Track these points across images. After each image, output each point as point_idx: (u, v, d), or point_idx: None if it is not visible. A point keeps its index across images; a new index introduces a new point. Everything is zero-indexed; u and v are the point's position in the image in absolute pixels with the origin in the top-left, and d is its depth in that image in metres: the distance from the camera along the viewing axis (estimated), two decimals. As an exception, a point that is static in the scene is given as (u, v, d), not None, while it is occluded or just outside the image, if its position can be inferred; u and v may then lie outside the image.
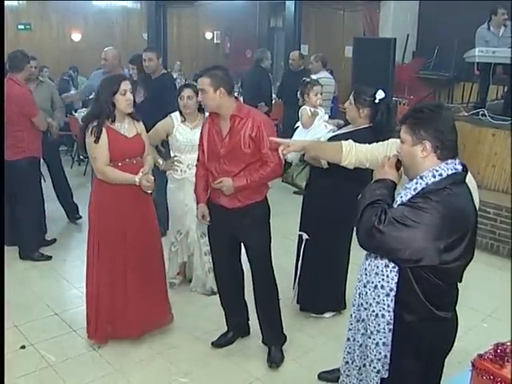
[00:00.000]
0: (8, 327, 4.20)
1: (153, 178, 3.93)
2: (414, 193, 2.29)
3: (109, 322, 4.08)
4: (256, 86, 8.23)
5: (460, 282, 2.46)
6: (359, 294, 2.52)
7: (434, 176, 2.28)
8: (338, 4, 12.20)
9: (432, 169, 2.29)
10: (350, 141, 3.24)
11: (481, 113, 6.99)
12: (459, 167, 2.34)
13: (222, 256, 3.99)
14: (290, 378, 3.83)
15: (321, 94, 4.77)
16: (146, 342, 4.17)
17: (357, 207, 2.35)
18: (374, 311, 2.38)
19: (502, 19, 7.15)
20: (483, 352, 2.18)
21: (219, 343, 4.16)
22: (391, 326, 2.35)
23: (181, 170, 4.69)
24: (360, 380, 2.58)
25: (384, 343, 2.37)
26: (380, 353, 2.38)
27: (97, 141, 3.79)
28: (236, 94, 11.82)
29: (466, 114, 7.29)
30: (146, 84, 6.01)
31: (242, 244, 3.94)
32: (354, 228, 2.35)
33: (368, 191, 2.37)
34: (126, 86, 3.84)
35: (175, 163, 4.68)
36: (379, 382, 2.43)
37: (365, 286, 2.47)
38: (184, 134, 4.63)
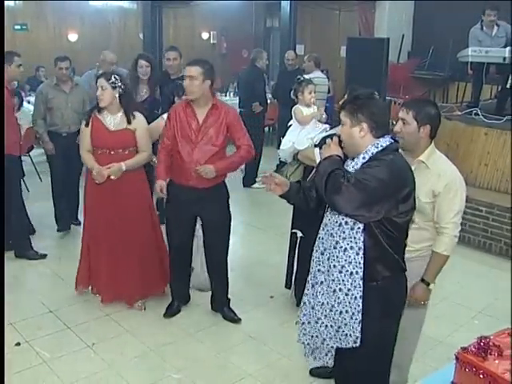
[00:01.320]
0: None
1: (106, 174, 4.23)
2: (363, 161, 2.62)
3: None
4: (250, 86, 8.27)
5: (406, 238, 2.78)
6: (315, 261, 2.80)
7: (377, 147, 2.62)
8: (334, 4, 12.23)
9: (373, 143, 2.63)
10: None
11: (474, 112, 7.03)
12: (392, 140, 2.68)
13: (182, 233, 4.34)
14: (283, 374, 3.87)
15: (314, 92, 4.81)
16: (139, 338, 4.22)
17: (316, 182, 2.63)
18: (347, 271, 2.64)
19: (488, 20, 7.19)
20: (467, 345, 2.22)
21: (171, 313, 4.54)
22: (363, 282, 2.63)
23: None
24: (330, 338, 2.77)
25: (361, 296, 2.64)
26: (359, 305, 2.64)
27: (86, 125, 4.39)
28: (232, 94, 11.90)
29: (460, 113, 7.33)
30: (163, 83, 6.03)
31: (203, 220, 4.35)
32: (323, 194, 2.56)
33: (323, 166, 2.63)
34: (98, 82, 4.31)
35: None
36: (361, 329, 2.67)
37: (322, 254, 2.74)
38: None
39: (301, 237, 4.45)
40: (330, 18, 13.10)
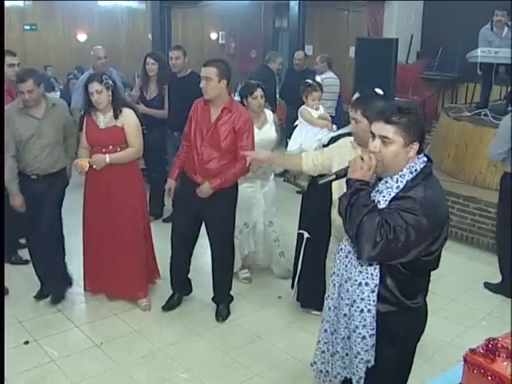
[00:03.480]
0: (12, 323, 4.27)
1: (86, 165, 4.31)
2: (396, 191, 2.35)
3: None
4: (261, 86, 8.26)
5: (426, 277, 2.56)
6: (338, 286, 2.59)
7: (412, 172, 2.35)
8: (342, 4, 12.22)
9: (409, 166, 2.35)
10: (309, 149, 3.84)
11: (483, 113, 7.00)
12: (425, 159, 2.41)
13: (185, 223, 4.41)
14: (290, 374, 3.86)
15: (318, 99, 4.83)
16: (147, 338, 4.23)
17: (344, 209, 2.34)
18: (358, 307, 2.46)
19: (496, 20, 7.16)
20: (475, 347, 2.22)
21: (170, 305, 4.62)
22: (376, 318, 2.44)
23: (251, 170, 4.73)
24: (344, 368, 2.66)
25: (371, 335, 2.46)
26: (367, 344, 2.47)
27: (80, 129, 4.49)
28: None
29: (469, 114, 7.30)
30: (170, 82, 6.07)
31: (205, 220, 4.39)
32: (354, 238, 2.34)
33: (356, 195, 2.33)
34: (91, 88, 4.29)
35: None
36: (365, 370, 2.53)
37: (346, 282, 2.53)
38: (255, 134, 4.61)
39: (307, 238, 4.44)
40: (339, 19, 13.09)
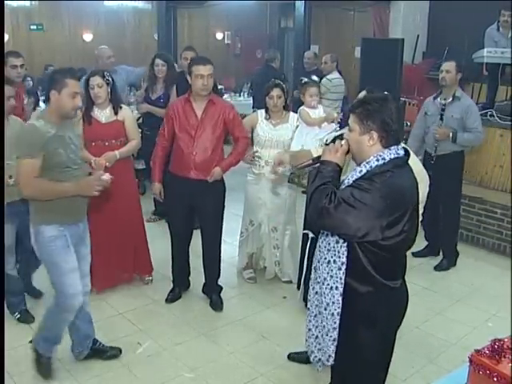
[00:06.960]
0: (17, 322, 4.28)
1: (104, 163, 4.28)
2: (359, 175, 2.48)
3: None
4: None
5: (406, 252, 2.66)
6: (314, 268, 2.75)
7: (378, 160, 2.46)
8: (348, 5, 12.19)
9: (376, 154, 2.47)
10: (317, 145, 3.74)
11: (489, 113, 6.98)
12: (401, 152, 2.52)
13: (181, 222, 4.59)
14: (294, 373, 3.87)
15: (316, 95, 4.78)
16: (152, 337, 4.24)
17: (308, 186, 2.56)
18: (328, 284, 2.58)
19: (502, 20, 7.15)
20: (480, 347, 2.21)
21: (172, 298, 4.77)
22: (343, 297, 2.55)
23: (259, 165, 4.87)
24: (319, 349, 2.76)
25: (338, 313, 2.56)
26: (335, 322, 2.57)
27: (84, 123, 4.50)
28: (246, 94, 11.85)
29: (475, 114, 7.26)
30: (179, 82, 6.11)
31: (199, 209, 4.54)
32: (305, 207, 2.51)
33: (319, 173, 2.52)
34: (92, 81, 4.48)
35: (255, 157, 4.86)
36: (335, 350, 2.62)
37: (318, 262, 2.68)
38: (266, 129, 4.84)
39: (312, 237, 4.44)
40: (345, 19, 13.07)
